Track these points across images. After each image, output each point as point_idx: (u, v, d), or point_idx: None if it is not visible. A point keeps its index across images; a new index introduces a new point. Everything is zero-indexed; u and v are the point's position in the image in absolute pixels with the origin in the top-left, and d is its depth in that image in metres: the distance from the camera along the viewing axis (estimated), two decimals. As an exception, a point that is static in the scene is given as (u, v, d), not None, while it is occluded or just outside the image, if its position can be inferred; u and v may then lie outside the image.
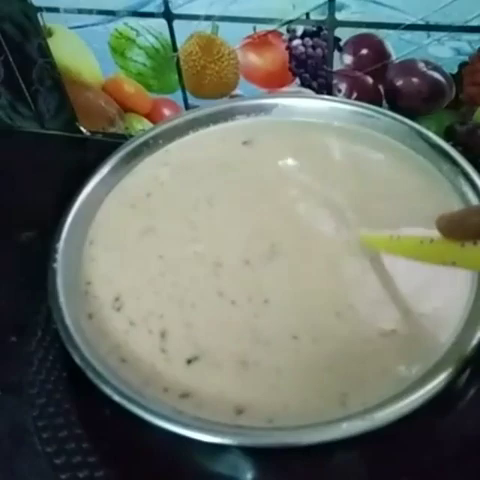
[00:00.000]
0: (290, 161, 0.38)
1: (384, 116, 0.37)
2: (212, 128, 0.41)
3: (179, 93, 0.51)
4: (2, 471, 0.30)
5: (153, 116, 0.54)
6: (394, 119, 0.37)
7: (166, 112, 0.53)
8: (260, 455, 0.27)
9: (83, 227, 0.34)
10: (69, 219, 0.33)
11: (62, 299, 0.28)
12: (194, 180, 0.38)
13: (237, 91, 0.49)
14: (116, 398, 0.24)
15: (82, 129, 0.58)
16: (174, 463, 0.28)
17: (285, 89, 0.46)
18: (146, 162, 0.39)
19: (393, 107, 0.44)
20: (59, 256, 0.30)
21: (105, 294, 0.31)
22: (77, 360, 0.26)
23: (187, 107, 0.51)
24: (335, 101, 0.39)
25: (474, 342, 0.25)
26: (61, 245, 0.31)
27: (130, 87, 0.52)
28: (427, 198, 0.34)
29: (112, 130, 0.57)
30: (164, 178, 0.38)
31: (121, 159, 0.38)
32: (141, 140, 0.39)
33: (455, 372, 0.24)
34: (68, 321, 0.27)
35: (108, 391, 0.24)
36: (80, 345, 0.26)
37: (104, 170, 0.37)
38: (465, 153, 0.35)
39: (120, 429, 0.28)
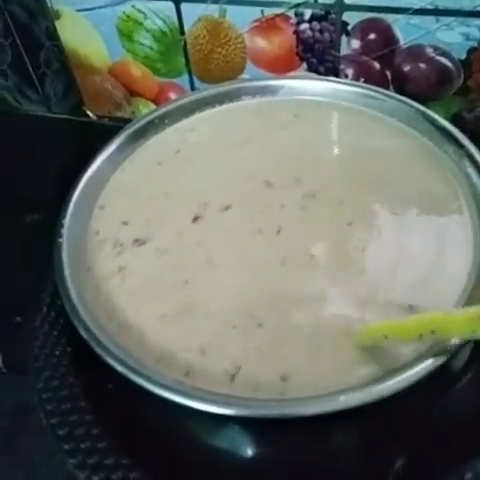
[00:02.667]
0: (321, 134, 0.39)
1: (390, 98, 0.37)
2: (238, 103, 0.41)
3: (186, 77, 0.51)
4: (8, 440, 0.30)
5: (160, 100, 0.54)
6: (400, 101, 0.37)
7: (173, 96, 0.53)
8: (259, 428, 0.28)
9: (89, 202, 0.34)
10: (76, 192, 0.33)
11: (67, 272, 0.28)
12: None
13: (244, 76, 0.49)
14: (119, 368, 0.24)
15: (89, 113, 0.58)
16: (174, 434, 0.28)
17: (292, 73, 0.46)
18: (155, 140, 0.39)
19: (400, 93, 0.44)
20: (64, 231, 0.31)
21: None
22: (82, 332, 0.26)
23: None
24: (341, 83, 0.39)
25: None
26: (67, 221, 0.31)
27: (137, 71, 0.52)
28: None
29: (118, 114, 0.57)
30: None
31: (132, 134, 0.38)
32: (148, 119, 0.39)
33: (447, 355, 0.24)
34: (73, 294, 0.27)
35: (111, 361, 0.24)
36: (84, 317, 0.26)
37: (111, 147, 0.37)
38: (472, 140, 0.35)
39: (122, 403, 0.28)
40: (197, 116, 0.39)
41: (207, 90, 0.40)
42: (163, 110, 0.39)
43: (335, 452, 0.28)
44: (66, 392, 0.29)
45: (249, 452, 0.28)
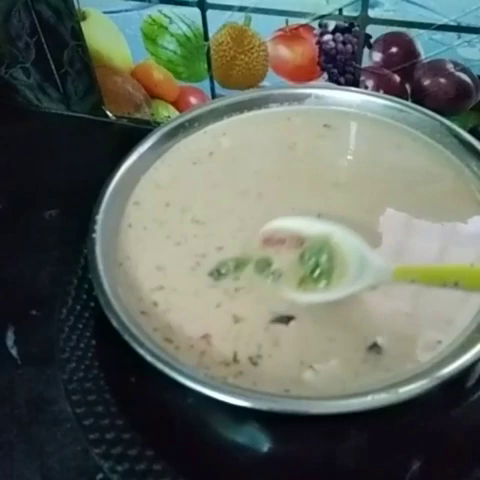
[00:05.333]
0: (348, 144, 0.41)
1: (415, 111, 0.38)
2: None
3: (207, 82, 0.52)
4: (35, 427, 0.31)
5: (180, 104, 0.55)
6: (425, 114, 0.38)
7: (193, 100, 0.54)
8: (279, 425, 0.28)
9: (121, 200, 0.35)
10: (109, 190, 0.34)
11: (101, 267, 0.29)
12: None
13: (264, 83, 0.50)
14: (149, 358, 0.25)
15: (108, 113, 0.59)
16: (196, 428, 0.29)
17: (314, 83, 0.47)
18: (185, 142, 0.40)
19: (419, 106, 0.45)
20: (98, 227, 0.31)
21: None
22: (115, 323, 0.27)
23: (214, 97, 0.52)
24: (367, 94, 0.40)
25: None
26: (100, 217, 0.32)
27: (159, 74, 0.53)
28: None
29: (138, 115, 0.58)
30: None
31: (163, 135, 0.39)
32: (179, 121, 0.40)
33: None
34: (107, 288, 0.28)
35: (142, 351, 0.25)
36: (117, 310, 0.27)
37: (143, 147, 0.37)
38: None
39: (146, 396, 0.29)
40: (226, 121, 0.40)
41: (236, 96, 0.41)
42: (194, 114, 0.39)
43: (353, 453, 0.29)
44: (91, 384, 0.30)
45: (266, 448, 0.29)
